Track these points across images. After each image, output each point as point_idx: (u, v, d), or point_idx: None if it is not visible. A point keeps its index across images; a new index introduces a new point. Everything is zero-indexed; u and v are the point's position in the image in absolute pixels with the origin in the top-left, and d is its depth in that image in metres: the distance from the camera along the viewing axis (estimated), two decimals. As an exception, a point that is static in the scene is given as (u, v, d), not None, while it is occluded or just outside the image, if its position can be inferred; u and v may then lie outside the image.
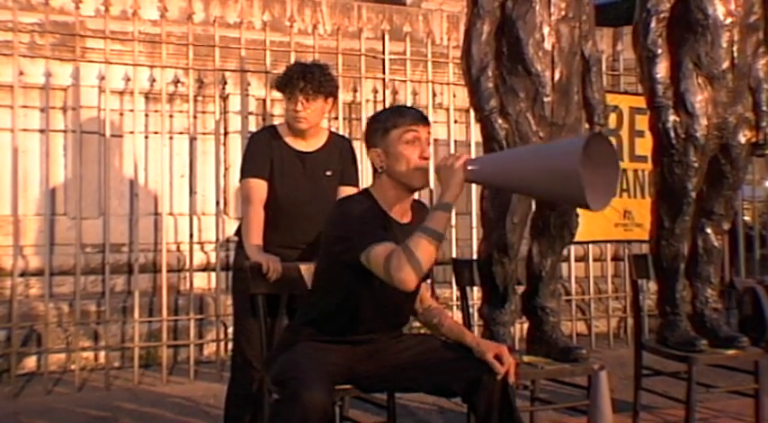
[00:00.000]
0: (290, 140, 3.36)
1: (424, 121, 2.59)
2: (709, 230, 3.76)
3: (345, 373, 2.60)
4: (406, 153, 2.53)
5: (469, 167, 2.43)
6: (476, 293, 5.03)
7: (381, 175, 2.60)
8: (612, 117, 5.73)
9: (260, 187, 3.28)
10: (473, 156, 2.54)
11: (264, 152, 3.32)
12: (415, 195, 2.74)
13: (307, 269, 3.11)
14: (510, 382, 2.50)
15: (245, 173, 3.34)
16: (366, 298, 2.58)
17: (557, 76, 3.28)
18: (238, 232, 3.44)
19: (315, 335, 2.62)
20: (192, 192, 5.57)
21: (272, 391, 2.65)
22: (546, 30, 3.27)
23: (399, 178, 2.56)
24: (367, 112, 5.79)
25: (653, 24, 3.65)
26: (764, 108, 3.73)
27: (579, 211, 3.33)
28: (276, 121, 5.30)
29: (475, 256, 3.80)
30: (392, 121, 2.58)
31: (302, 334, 2.65)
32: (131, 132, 5.29)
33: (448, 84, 5.77)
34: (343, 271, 2.52)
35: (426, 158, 2.55)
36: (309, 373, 2.39)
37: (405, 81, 5.65)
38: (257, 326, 2.95)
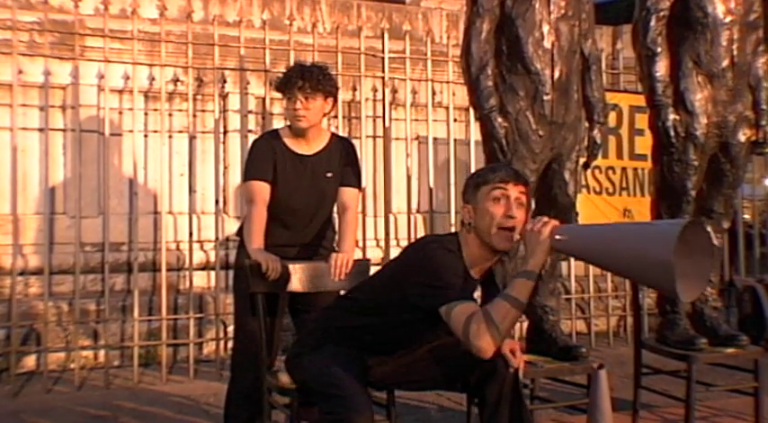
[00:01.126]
0: (291, 143, 3.36)
1: (515, 179, 2.52)
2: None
3: (366, 376, 2.62)
4: (491, 210, 2.48)
5: (557, 237, 2.38)
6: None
7: (470, 231, 2.54)
8: (612, 115, 5.73)
9: (263, 189, 3.30)
10: (560, 224, 2.46)
11: (267, 155, 3.33)
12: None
13: (303, 268, 3.12)
14: (520, 376, 2.54)
15: (249, 176, 3.35)
16: (412, 333, 2.60)
17: (556, 74, 3.29)
18: (239, 232, 3.45)
19: (345, 341, 2.63)
20: (191, 190, 5.57)
21: (274, 390, 2.66)
22: (545, 28, 3.27)
23: (483, 237, 2.51)
24: (366, 110, 5.79)
25: (653, 23, 3.65)
26: (764, 106, 3.73)
27: (578, 210, 3.32)
28: (275, 120, 5.34)
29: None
30: (483, 177, 2.55)
31: (330, 336, 2.66)
32: (131, 131, 5.28)
33: (447, 82, 5.76)
34: (407, 309, 2.51)
35: (512, 217, 2.47)
36: (356, 394, 2.43)
37: (404, 79, 5.64)
38: (257, 324, 2.95)
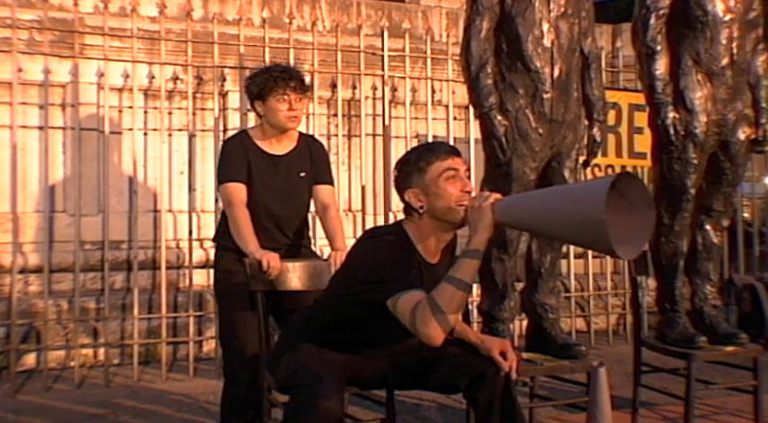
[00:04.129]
0: (262, 144, 3.34)
1: (457, 153, 2.51)
2: (708, 227, 3.76)
3: (350, 374, 2.59)
4: (448, 188, 2.44)
5: (499, 208, 2.32)
6: (475, 291, 5.02)
7: (422, 216, 2.49)
8: (612, 114, 5.74)
9: (240, 190, 3.25)
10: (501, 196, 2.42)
11: (240, 156, 3.29)
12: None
13: (303, 267, 3.12)
14: (513, 378, 2.51)
15: (224, 178, 3.30)
16: (377, 328, 2.55)
17: (556, 72, 3.28)
18: (216, 237, 3.41)
19: (318, 342, 2.61)
20: (191, 189, 5.57)
21: (273, 388, 2.66)
22: (545, 26, 3.27)
23: (443, 216, 2.46)
24: (366, 109, 5.79)
25: (652, 21, 3.65)
26: (763, 105, 3.73)
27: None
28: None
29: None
30: (426, 158, 2.49)
31: (305, 338, 2.64)
32: (130, 129, 5.28)
33: (447, 80, 5.77)
34: (361, 305, 2.47)
35: (469, 192, 2.45)
36: (321, 380, 2.37)
37: (404, 78, 5.64)
38: (253, 324, 2.95)
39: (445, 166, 2.46)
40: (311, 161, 3.40)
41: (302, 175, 3.37)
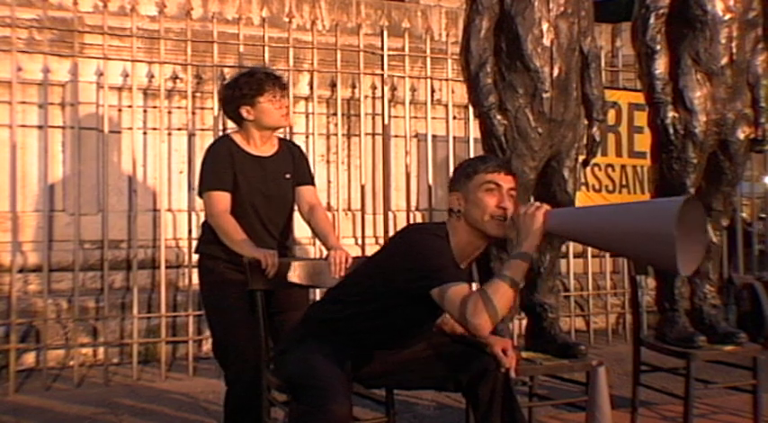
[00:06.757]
0: (247, 147, 3.33)
1: (507, 169, 2.59)
2: (707, 227, 3.76)
3: (354, 372, 2.61)
4: (485, 199, 2.53)
5: (551, 218, 2.44)
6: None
7: (459, 219, 2.58)
8: (611, 113, 5.74)
9: (224, 199, 3.23)
10: (551, 208, 2.53)
11: (225, 162, 3.27)
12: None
13: (302, 266, 3.12)
14: (512, 376, 2.54)
15: (208, 186, 3.26)
16: (397, 323, 2.59)
17: (555, 72, 3.28)
18: (200, 248, 3.37)
19: (327, 335, 2.62)
20: (190, 188, 5.56)
21: (274, 387, 2.65)
22: (545, 26, 3.27)
23: (475, 224, 2.54)
24: (365, 108, 5.79)
25: (652, 20, 3.65)
26: (763, 104, 3.74)
27: (577, 206, 3.33)
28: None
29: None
30: (474, 167, 2.59)
31: (313, 333, 2.65)
32: (130, 128, 5.28)
33: (447, 80, 5.77)
34: (392, 295, 2.52)
35: (504, 209, 2.52)
36: (333, 384, 2.41)
37: (403, 77, 5.64)
38: (252, 324, 2.94)
39: (489, 178, 2.54)
40: (293, 164, 3.41)
41: (287, 176, 3.38)
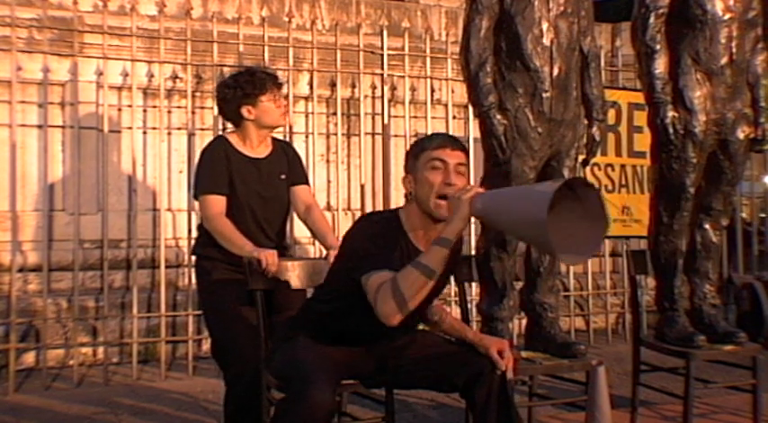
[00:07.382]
0: (242, 149, 3.33)
1: (453, 144, 2.49)
2: (707, 226, 3.76)
3: (346, 369, 2.59)
4: (430, 178, 2.45)
5: (476, 202, 2.31)
6: (474, 289, 5.03)
7: (411, 201, 2.52)
8: (611, 113, 5.73)
9: (220, 203, 3.23)
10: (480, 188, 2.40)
11: (221, 165, 3.26)
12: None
13: (302, 265, 3.12)
14: (508, 377, 2.51)
15: (203, 189, 3.26)
16: (372, 315, 2.49)
17: (555, 71, 3.28)
18: (197, 250, 3.37)
19: (314, 334, 2.62)
20: (190, 187, 5.54)
21: (273, 387, 2.65)
22: (544, 25, 3.27)
23: (422, 206, 2.47)
24: (365, 107, 5.79)
25: (652, 20, 3.65)
26: (762, 104, 3.73)
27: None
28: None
29: (473, 252, 3.80)
30: (421, 145, 2.52)
31: (302, 330, 2.65)
32: (129, 128, 5.28)
33: (446, 79, 5.76)
34: (350, 283, 2.46)
35: (450, 185, 2.41)
36: (315, 372, 2.37)
37: (403, 76, 5.64)
38: (251, 323, 2.94)
39: (434, 155, 2.47)
40: (288, 164, 3.42)
41: (282, 177, 3.39)
